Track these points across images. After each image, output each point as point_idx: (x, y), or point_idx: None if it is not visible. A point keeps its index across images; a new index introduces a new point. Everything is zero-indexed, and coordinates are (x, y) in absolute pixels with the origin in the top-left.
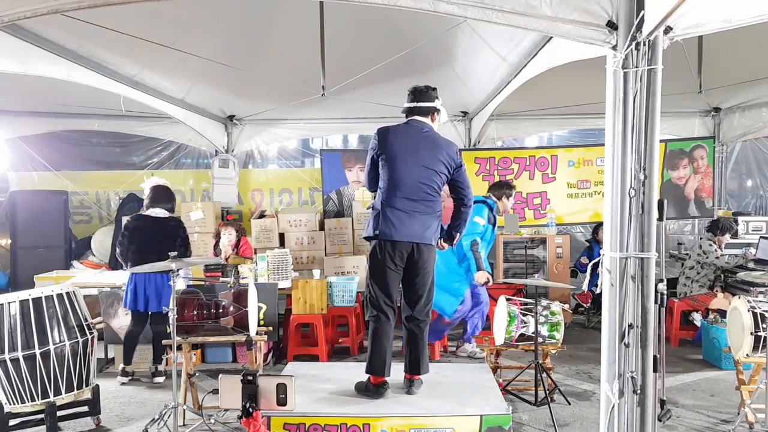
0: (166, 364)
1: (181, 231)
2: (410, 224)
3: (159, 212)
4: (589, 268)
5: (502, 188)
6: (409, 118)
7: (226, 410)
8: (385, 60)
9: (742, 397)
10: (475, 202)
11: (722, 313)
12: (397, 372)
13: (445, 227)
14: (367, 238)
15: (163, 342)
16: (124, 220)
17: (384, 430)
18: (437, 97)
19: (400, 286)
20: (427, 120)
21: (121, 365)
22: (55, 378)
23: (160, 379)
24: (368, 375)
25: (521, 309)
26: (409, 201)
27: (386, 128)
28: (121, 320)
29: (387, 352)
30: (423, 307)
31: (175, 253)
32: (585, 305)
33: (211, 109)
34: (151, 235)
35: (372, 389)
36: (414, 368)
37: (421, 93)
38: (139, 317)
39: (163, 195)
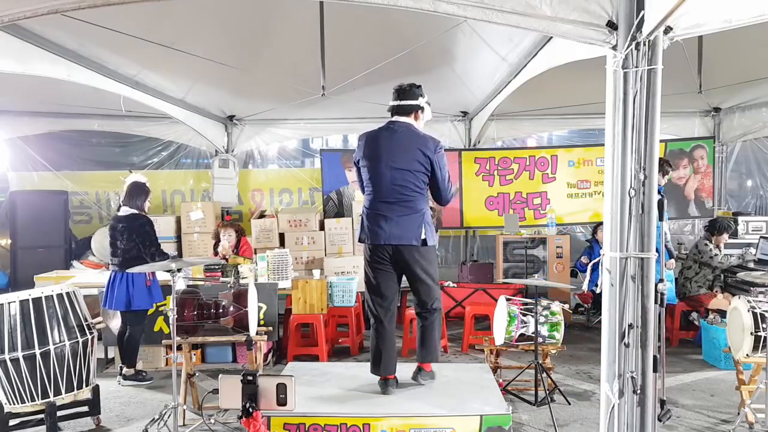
0: (165, 364)
1: (138, 226)
2: (388, 227)
3: (125, 210)
4: (589, 267)
5: (662, 165)
6: (390, 119)
7: (226, 410)
8: (385, 60)
9: (742, 397)
10: None
11: (722, 313)
12: (399, 371)
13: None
14: (359, 241)
15: (163, 342)
16: None
17: (384, 430)
18: (421, 95)
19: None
20: (407, 119)
21: (120, 366)
22: (55, 378)
23: (127, 383)
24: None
25: (521, 309)
26: (385, 204)
27: (365, 133)
28: (120, 321)
29: (384, 353)
30: (426, 302)
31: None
32: (585, 305)
33: (211, 109)
34: (114, 235)
35: (379, 384)
36: (420, 356)
37: (404, 92)
38: (125, 317)
39: (127, 193)
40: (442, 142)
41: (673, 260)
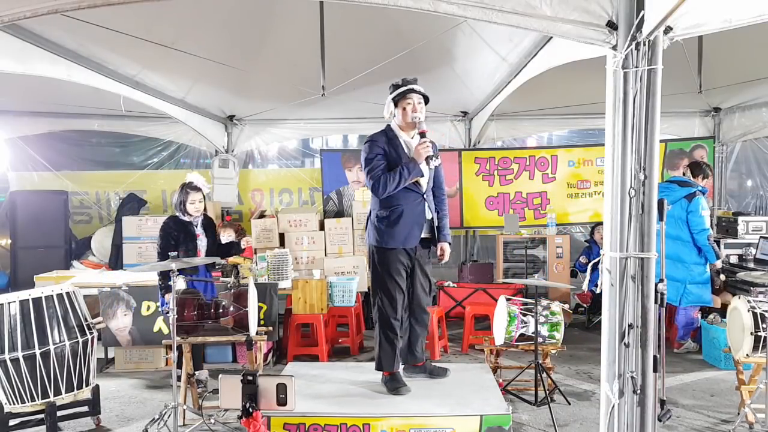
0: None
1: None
2: None
3: None
4: (588, 268)
5: (704, 169)
6: None
7: (226, 410)
8: (385, 60)
9: (742, 397)
10: (693, 194)
11: (722, 313)
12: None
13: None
14: None
15: (163, 342)
16: None
17: (384, 430)
18: (390, 93)
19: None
20: (391, 122)
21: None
22: (55, 378)
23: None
24: None
25: (521, 309)
26: None
27: None
28: (119, 321)
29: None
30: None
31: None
32: (585, 305)
33: (211, 109)
34: None
35: None
36: None
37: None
38: None
39: None
40: (371, 137)
41: (717, 262)
